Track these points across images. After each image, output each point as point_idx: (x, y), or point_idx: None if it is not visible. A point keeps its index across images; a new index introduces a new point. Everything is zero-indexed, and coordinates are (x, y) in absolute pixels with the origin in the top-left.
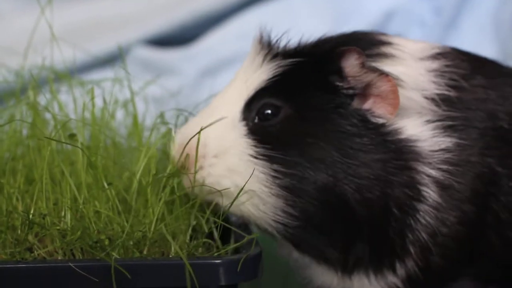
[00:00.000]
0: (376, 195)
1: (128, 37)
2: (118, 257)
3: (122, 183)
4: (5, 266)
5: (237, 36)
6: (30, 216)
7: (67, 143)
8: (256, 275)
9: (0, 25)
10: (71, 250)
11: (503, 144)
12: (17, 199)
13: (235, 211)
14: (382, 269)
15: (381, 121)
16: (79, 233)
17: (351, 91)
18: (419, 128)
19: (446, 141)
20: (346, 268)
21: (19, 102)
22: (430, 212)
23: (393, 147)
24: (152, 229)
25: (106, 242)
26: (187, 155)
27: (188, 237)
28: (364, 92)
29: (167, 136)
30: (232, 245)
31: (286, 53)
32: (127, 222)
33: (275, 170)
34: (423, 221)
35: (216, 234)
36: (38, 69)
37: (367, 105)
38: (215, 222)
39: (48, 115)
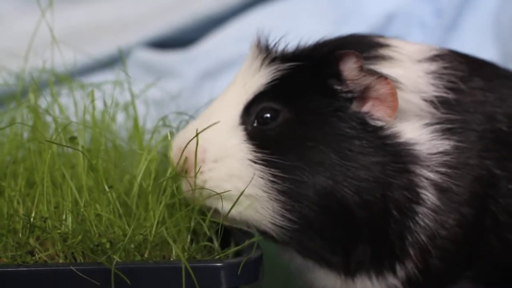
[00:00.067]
0: (376, 197)
1: (129, 40)
2: (119, 260)
3: (123, 186)
4: (6, 269)
5: (237, 38)
6: (31, 219)
7: (68, 146)
8: (257, 278)
9: (1, 28)
10: (72, 253)
11: (501, 146)
12: (18, 203)
13: (235, 216)
14: (383, 271)
15: (379, 123)
16: (80, 236)
17: (349, 95)
18: (417, 131)
19: (444, 144)
20: (349, 271)
21: (20, 105)
22: (429, 215)
23: (391, 150)
24: (153, 232)
25: (107, 246)
26: (186, 159)
27: (188, 241)
28: (363, 95)
29: (167, 139)
30: (233, 249)
31: (285, 57)
32: (128, 225)
33: (274, 175)
34: (422, 223)
35: (216, 238)
36: (39, 72)
37: (365, 108)
38: (215, 225)
39: (49, 118)
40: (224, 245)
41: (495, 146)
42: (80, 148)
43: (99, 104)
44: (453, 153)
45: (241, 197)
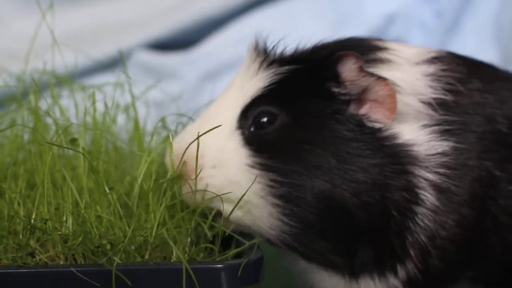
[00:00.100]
0: (375, 199)
1: (129, 42)
2: (119, 261)
3: (124, 187)
4: (7, 271)
5: (238, 40)
6: (32, 221)
7: (68, 148)
8: (258, 279)
9: (1, 29)
10: (73, 255)
11: (501, 147)
12: (18, 204)
13: (235, 221)
14: (384, 272)
15: (377, 125)
16: (80, 238)
17: (347, 97)
18: (416, 133)
19: (443, 145)
20: (353, 272)
21: (21, 106)
22: (429, 215)
23: (390, 151)
24: (153, 233)
25: (108, 247)
26: (184, 163)
27: (189, 242)
28: (361, 97)
29: (168, 141)
30: (234, 250)
31: (283, 60)
32: (128, 226)
33: (272, 180)
34: (421, 224)
35: (217, 240)
36: (40, 74)
37: (363, 110)
38: (216, 227)
39: (49, 120)
40: (225, 247)
41: (495, 148)
42: (80, 150)
43: (99, 106)
44: (451, 154)
45: (240, 203)
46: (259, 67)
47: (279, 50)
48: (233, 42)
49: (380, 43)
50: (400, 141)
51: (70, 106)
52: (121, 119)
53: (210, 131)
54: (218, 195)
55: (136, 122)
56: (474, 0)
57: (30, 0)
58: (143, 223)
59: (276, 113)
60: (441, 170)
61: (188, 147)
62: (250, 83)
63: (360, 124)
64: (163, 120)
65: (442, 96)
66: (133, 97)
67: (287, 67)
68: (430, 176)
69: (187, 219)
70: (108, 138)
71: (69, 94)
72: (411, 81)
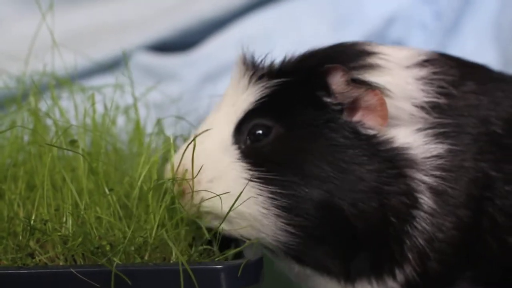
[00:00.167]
0: (373, 207)
1: (129, 43)
2: (119, 262)
3: (123, 189)
4: (6, 272)
5: (238, 41)
6: (32, 222)
7: (68, 149)
8: (258, 280)
9: (1, 31)
10: (73, 256)
11: (497, 148)
12: (18, 205)
13: (235, 235)
14: (382, 276)
15: (372, 132)
16: (80, 239)
17: (339, 106)
18: (410, 136)
19: (438, 148)
20: (349, 277)
21: (20, 108)
22: (426, 218)
23: (386, 155)
24: (153, 234)
25: (108, 248)
26: (184, 179)
27: (188, 242)
28: (353, 106)
29: (169, 143)
30: (233, 251)
31: (272, 73)
32: (128, 227)
33: (272, 192)
34: (419, 227)
35: (216, 241)
36: (39, 75)
37: (356, 117)
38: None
39: (49, 121)
40: (224, 248)
41: (490, 149)
42: (80, 151)
43: (99, 107)
44: (447, 156)
45: (240, 217)
46: (249, 82)
47: (267, 62)
48: (233, 44)
49: (369, 48)
50: (395, 145)
51: (70, 108)
52: (121, 120)
53: (207, 148)
54: (217, 195)
55: (137, 123)
56: (474, 1)
57: (29, 2)
58: (143, 224)
59: (270, 126)
60: (437, 173)
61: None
62: (242, 97)
63: (354, 131)
64: (159, 121)
65: (435, 100)
66: (134, 98)
67: (277, 80)
68: (427, 179)
69: (187, 220)
70: (108, 139)
71: (68, 95)
72: (402, 85)
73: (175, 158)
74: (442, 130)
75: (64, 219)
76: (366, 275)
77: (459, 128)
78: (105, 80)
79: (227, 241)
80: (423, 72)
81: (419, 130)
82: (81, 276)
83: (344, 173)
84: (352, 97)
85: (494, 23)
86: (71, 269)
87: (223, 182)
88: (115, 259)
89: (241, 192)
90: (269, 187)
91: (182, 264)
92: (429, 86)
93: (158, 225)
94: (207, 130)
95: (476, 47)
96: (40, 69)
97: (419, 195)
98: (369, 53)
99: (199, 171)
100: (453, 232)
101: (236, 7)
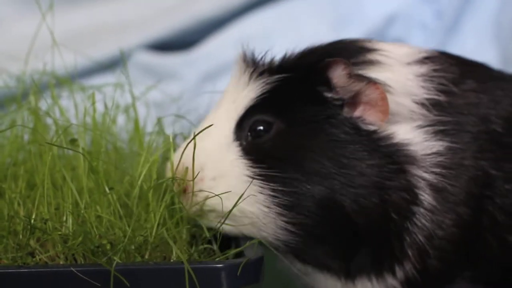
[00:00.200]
0: (374, 203)
1: (129, 42)
2: (119, 261)
3: (124, 188)
4: (7, 271)
5: (238, 41)
6: (32, 221)
7: (68, 148)
8: (258, 279)
9: (1, 31)
10: (73, 255)
11: (496, 147)
12: (18, 204)
13: (236, 233)
14: (382, 272)
15: (372, 127)
16: (80, 238)
17: (340, 101)
18: (410, 133)
19: (437, 145)
20: (349, 274)
21: (21, 107)
22: (426, 215)
23: (386, 151)
24: (153, 233)
25: (108, 247)
26: (185, 177)
27: (188, 241)
28: (353, 101)
29: (169, 142)
30: (233, 250)
31: (272, 69)
32: (128, 226)
33: (273, 189)
34: (419, 224)
35: (216, 240)
36: (39, 75)
37: (357, 112)
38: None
39: (49, 120)
40: (225, 247)
41: (490, 147)
42: (80, 150)
43: (99, 107)
44: (447, 154)
45: (242, 215)
46: (250, 78)
47: (267, 59)
48: (233, 43)
49: (369, 45)
50: (395, 140)
51: (70, 107)
52: (121, 119)
53: (208, 145)
54: (216, 195)
55: (136, 122)
56: (474, 0)
57: (29, 2)
58: (143, 223)
59: (271, 121)
60: (437, 170)
61: (186, 154)
62: (242, 94)
63: (355, 126)
64: (159, 120)
65: (435, 97)
66: (133, 97)
67: (277, 76)
68: (427, 175)
69: (187, 219)
70: (108, 138)
71: (69, 94)
72: (403, 82)
73: (175, 157)
74: (442, 127)
75: (65, 218)
76: (366, 272)
77: (459, 126)
78: (105, 79)
79: (227, 241)
80: (423, 69)
81: (419, 127)
82: (81, 275)
83: (345, 168)
84: (353, 91)
85: (494, 22)
86: (72, 268)
87: (226, 180)
88: (115, 258)
89: (245, 191)
90: (271, 184)
91: (183, 263)
92: (430, 83)
93: (158, 224)
94: (207, 127)
95: (476, 46)
96: (40, 68)
97: (419, 192)
98: (370, 50)
99: (201, 169)
100: (453, 230)
101: (235, 7)
